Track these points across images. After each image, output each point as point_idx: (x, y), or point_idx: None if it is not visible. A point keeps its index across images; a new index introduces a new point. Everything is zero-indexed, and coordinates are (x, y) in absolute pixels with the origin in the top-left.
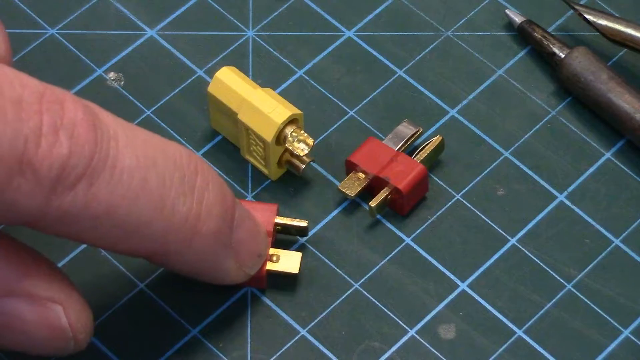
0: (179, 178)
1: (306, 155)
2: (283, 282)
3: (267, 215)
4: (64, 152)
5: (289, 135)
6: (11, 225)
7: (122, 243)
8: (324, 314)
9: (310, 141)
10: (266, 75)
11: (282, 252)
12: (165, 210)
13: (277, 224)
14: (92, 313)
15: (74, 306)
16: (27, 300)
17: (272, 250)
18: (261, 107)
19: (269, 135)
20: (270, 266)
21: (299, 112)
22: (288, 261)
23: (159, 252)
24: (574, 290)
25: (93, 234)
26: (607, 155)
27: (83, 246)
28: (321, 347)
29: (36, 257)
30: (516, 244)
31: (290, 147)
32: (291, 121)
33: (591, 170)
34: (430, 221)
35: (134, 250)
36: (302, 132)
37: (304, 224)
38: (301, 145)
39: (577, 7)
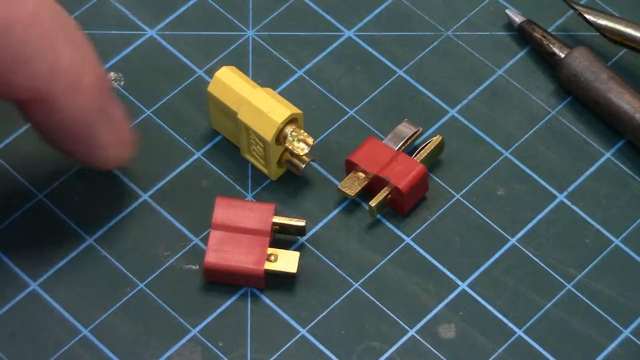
0: (69, 29)
1: (306, 154)
2: (282, 282)
3: (265, 215)
4: None
5: (289, 135)
6: None
7: (11, 73)
8: (323, 313)
9: (310, 140)
10: (266, 75)
11: (280, 252)
12: (56, 48)
13: (275, 224)
14: None
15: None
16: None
17: (270, 250)
18: (261, 106)
19: (268, 134)
20: (268, 266)
21: (298, 111)
22: (286, 261)
23: (43, 95)
24: (574, 290)
25: None
26: (607, 155)
27: (83, 246)
28: (321, 347)
29: None
30: (516, 244)
31: (290, 147)
32: (291, 121)
33: (591, 170)
34: (430, 221)
35: (20, 87)
36: (302, 131)
37: (302, 223)
38: (301, 145)
39: (577, 7)
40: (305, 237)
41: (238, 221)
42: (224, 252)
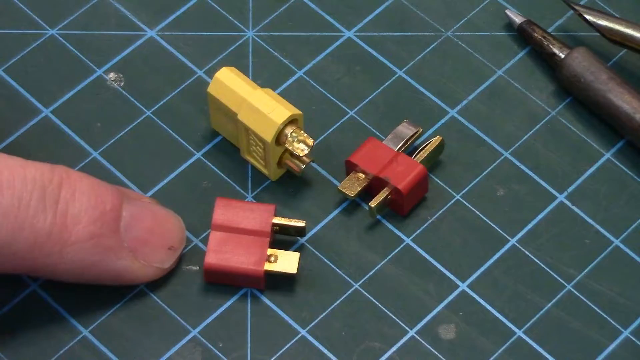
0: (39, 195)
1: (306, 155)
2: (282, 282)
3: (264, 216)
4: None
5: (289, 136)
6: None
7: None
8: (323, 314)
9: (310, 141)
10: (266, 75)
11: (280, 253)
12: (25, 229)
13: (275, 225)
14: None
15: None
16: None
17: (270, 251)
18: (261, 107)
19: (268, 135)
20: (268, 267)
21: (298, 112)
22: (286, 261)
23: (30, 269)
24: (574, 290)
25: None
26: (607, 155)
27: None
28: (321, 347)
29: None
30: (516, 244)
31: (290, 148)
32: (291, 121)
33: (591, 170)
34: (430, 221)
35: (6, 269)
36: (302, 132)
37: (301, 224)
38: (301, 146)
39: (577, 7)
40: (305, 238)
41: (238, 222)
42: (223, 253)
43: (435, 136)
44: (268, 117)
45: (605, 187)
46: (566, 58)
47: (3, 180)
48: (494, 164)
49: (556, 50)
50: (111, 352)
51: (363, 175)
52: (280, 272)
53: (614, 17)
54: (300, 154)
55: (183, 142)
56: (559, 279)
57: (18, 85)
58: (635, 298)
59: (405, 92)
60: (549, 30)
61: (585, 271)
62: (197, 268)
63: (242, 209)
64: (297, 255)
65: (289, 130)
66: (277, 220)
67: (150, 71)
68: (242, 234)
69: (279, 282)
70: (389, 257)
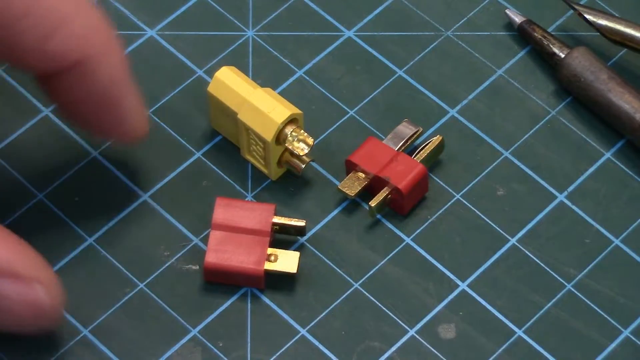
0: None
1: (306, 155)
2: (282, 281)
3: (265, 216)
4: None
5: (289, 135)
6: None
7: (46, 41)
8: (323, 314)
9: (310, 141)
10: (266, 75)
11: (280, 252)
12: (86, 6)
13: (275, 224)
14: (63, 291)
15: (53, 284)
16: (13, 280)
17: (270, 250)
18: (261, 106)
19: (268, 134)
20: (268, 266)
21: (298, 111)
22: (286, 261)
23: (80, 57)
24: (574, 290)
25: (23, 26)
26: (607, 155)
27: (83, 246)
28: (321, 347)
29: (15, 236)
30: (516, 244)
31: (290, 147)
32: (291, 121)
33: (591, 170)
34: (430, 221)
35: (56, 53)
36: (302, 131)
37: (301, 223)
38: (301, 145)
39: (577, 7)
40: (305, 237)
41: (238, 221)
42: (224, 252)
43: (435, 136)
44: (268, 117)
45: (605, 187)
46: (566, 58)
47: None
48: (494, 164)
49: (556, 50)
50: (111, 352)
51: (363, 175)
52: (280, 271)
53: (614, 16)
54: (301, 153)
55: (183, 141)
56: (559, 278)
57: (18, 85)
58: (635, 298)
59: (405, 91)
60: (549, 30)
61: (585, 271)
62: (197, 267)
63: (242, 208)
64: (297, 254)
65: (289, 130)
66: (277, 219)
67: (150, 71)
68: (242, 234)
69: (279, 282)
70: (389, 256)
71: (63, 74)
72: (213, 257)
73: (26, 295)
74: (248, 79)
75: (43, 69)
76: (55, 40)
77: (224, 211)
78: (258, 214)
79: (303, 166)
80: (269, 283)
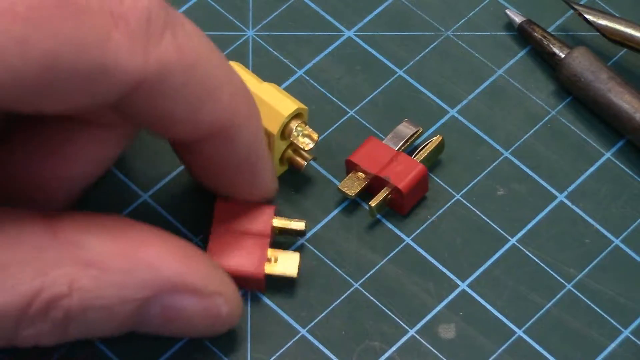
0: None
1: (309, 151)
2: (283, 282)
3: (265, 218)
4: (145, 3)
5: (294, 130)
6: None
7: (198, 111)
8: (323, 313)
9: (315, 136)
10: (266, 75)
11: (280, 254)
12: (230, 70)
13: (275, 227)
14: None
15: (233, 294)
16: (194, 294)
17: (270, 252)
18: (267, 99)
19: (274, 127)
20: (268, 269)
21: (304, 106)
22: (286, 263)
23: (227, 124)
24: (574, 290)
25: (180, 96)
26: (607, 155)
27: None
28: (321, 347)
29: (195, 249)
30: (516, 244)
31: (295, 142)
32: (296, 116)
33: (591, 170)
34: (430, 221)
35: (205, 123)
36: (307, 126)
37: (301, 226)
38: (306, 140)
39: (577, 7)
40: (305, 237)
41: (238, 223)
42: (224, 255)
43: (435, 136)
44: (274, 109)
45: (605, 186)
46: (566, 58)
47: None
48: (494, 164)
49: (556, 50)
50: (111, 352)
51: (363, 175)
52: (280, 275)
53: (614, 16)
54: (306, 148)
55: None
56: (559, 278)
57: None
58: (635, 298)
59: (405, 91)
60: (549, 30)
61: (585, 271)
62: None
63: (242, 209)
64: (297, 256)
65: (294, 124)
66: (278, 222)
67: None
68: (242, 235)
69: (278, 283)
70: (389, 256)
71: (202, 140)
72: (213, 259)
73: (207, 309)
74: (253, 74)
75: (187, 138)
76: (206, 110)
77: (223, 213)
78: (258, 216)
79: (305, 163)
80: (269, 283)
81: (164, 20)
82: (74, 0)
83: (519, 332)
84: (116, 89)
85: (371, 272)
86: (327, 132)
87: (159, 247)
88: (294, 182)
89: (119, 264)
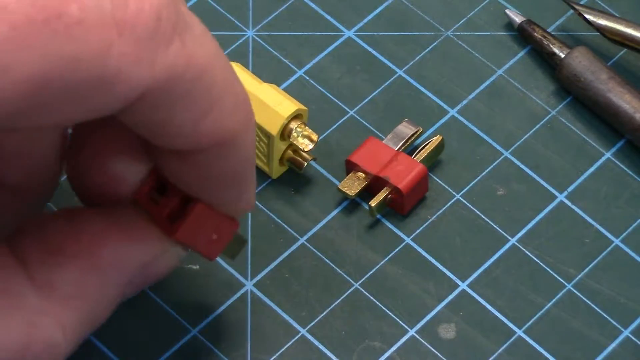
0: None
1: (309, 152)
2: (281, 280)
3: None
4: (154, 6)
5: (294, 131)
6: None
7: (199, 122)
8: (323, 313)
9: (315, 137)
10: (266, 75)
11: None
12: (233, 80)
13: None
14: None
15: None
16: (157, 261)
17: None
18: (267, 100)
19: (274, 128)
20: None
21: (304, 107)
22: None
23: (227, 135)
24: (574, 290)
25: (183, 106)
26: (607, 155)
27: None
28: (321, 347)
29: (134, 216)
30: (516, 244)
31: (294, 142)
32: (296, 117)
33: (591, 170)
34: (430, 221)
35: (206, 134)
36: (307, 127)
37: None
38: (305, 141)
39: (577, 7)
40: (305, 237)
41: None
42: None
43: (435, 136)
44: (274, 111)
45: (605, 187)
46: (566, 57)
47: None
48: (494, 164)
49: (556, 50)
50: (111, 352)
51: (363, 175)
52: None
53: (614, 16)
54: (305, 149)
55: None
56: (559, 278)
57: None
58: (635, 298)
59: (405, 91)
60: (549, 30)
61: (585, 271)
62: (197, 267)
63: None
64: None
65: (294, 125)
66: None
67: None
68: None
69: (278, 282)
70: (389, 256)
71: (197, 152)
72: None
73: (172, 260)
74: (253, 74)
75: (183, 148)
76: (208, 119)
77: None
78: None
79: (305, 163)
80: (269, 283)
81: (174, 23)
82: (66, 13)
83: (519, 332)
84: (119, 101)
85: (371, 272)
86: (327, 132)
87: (116, 243)
88: (294, 182)
89: (92, 283)
